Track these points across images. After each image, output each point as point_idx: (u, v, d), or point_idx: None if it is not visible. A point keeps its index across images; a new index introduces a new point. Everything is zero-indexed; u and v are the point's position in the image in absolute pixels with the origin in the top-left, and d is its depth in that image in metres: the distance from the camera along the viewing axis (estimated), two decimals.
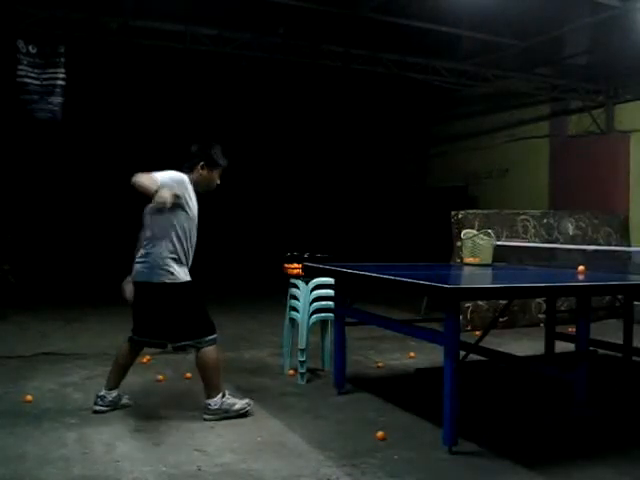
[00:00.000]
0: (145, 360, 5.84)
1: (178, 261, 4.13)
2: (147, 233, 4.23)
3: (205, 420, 4.13)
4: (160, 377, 5.21)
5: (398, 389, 5.15)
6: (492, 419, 4.37)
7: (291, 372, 5.42)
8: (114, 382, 4.37)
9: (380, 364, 5.92)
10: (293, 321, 5.46)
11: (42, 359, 5.89)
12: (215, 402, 4.15)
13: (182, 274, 4.14)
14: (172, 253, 4.11)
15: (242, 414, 4.19)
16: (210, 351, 4.16)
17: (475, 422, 4.15)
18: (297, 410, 4.47)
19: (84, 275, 11.86)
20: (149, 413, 4.32)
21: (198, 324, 4.16)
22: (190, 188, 4.18)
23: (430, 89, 10.21)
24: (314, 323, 5.34)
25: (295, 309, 5.37)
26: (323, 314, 5.34)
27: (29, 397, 4.54)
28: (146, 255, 4.18)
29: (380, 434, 3.86)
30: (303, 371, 5.20)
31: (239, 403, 4.22)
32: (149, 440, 3.80)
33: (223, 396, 4.19)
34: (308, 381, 5.22)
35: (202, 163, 4.26)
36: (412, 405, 4.56)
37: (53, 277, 11.46)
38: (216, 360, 4.18)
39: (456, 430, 3.62)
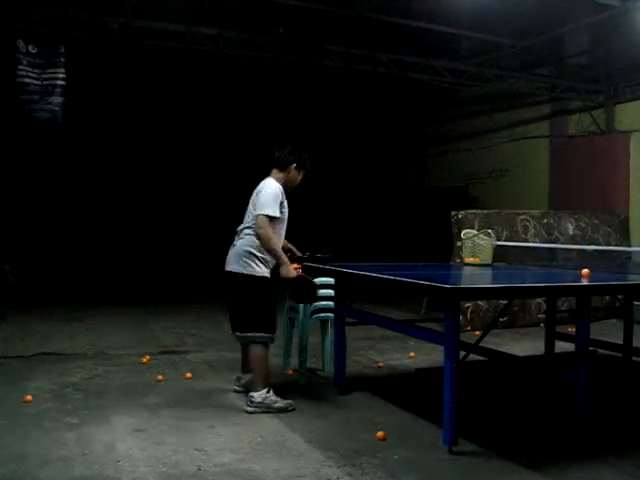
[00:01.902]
0: (145, 360, 5.84)
1: (257, 256, 4.37)
2: (241, 225, 4.54)
3: (247, 412, 4.29)
4: (160, 377, 5.20)
5: (398, 389, 5.15)
6: (492, 419, 4.37)
7: (291, 372, 5.42)
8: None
9: (380, 364, 5.92)
10: (293, 321, 5.46)
11: (42, 359, 5.89)
12: (259, 395, 4.31)
13: (259, 268, 4.37)
14: (254, 248, 4.38)
15: (282, 411, 4.33)
16: (258, 348, 4.39)
17: (475, 422, 4.15)
18: (297, 410, 4.46)
19: (84, 275, 11.86)
20: (149, 413, 4.32)
21: (257, 319, 4.38)
22: (283, 193, 4.46)
23: (430, 89, 10.21)
24: (314, 323, 5.34)
25: (295, 309, 5.37)
26: (323, 314, 5.34)
27: (29, 397, 4.54)
28: (233, 245, 4.52)
29: (380, 434, 3.86)
30: (303, 371, 5.20)
31: (281, 402, 4.37)
32: (149, 440, 3.79)
33: (268, 391, 4.34)
34: (308, 381, 5.22)
35: (295, 164, 4.59)
36: (412, 405, 4.56)
37: (53, 277, 11.46)
38: (261, 358, 4.39)
39: (456, 430, 3.62)
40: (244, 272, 4.37)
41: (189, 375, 5.30)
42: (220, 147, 13.63)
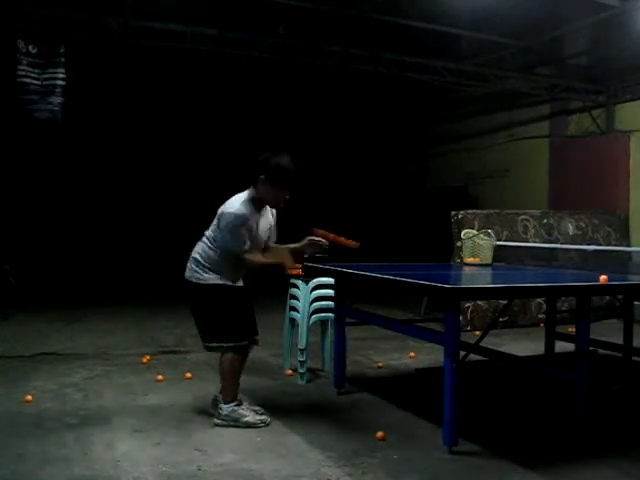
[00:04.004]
0: (145, 360, 5.84)
1: (203, 264, 4.08)
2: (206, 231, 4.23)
3: (215, 424, 4.08)
4: (160, 377, 5.20)
5: (398, 389, 5.15)
6: (492, 419, 4.37)
7: (291, 372, 5.42)
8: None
9: (380, 364, 5.92)
10: (293, 321, 5.46)
11: (42, 359, 5.89)
12: (226, 408, 4.09)
13: (208, 275, 4.08)
14: (202, 257, 4.10)
15: (253, 426, 4.06)
16: (229, 358, 4.10)
17: (475, 422, 4.15)
18: (297, 410, 4.47)
19: (84, 275, 11.86)
20: (149, 413, 4.32)
21: (219, 328, 4.08)
22: (247, 219, 3.98)
23: (430, 89, 10.20)
24: (314, 323, 5.34)
25: (295, 309, 5.37)
26: (323, 314, 5.34)
27: (29, 397, 4.54)
28: (192, 252, 4.20)
29: (380, 434, 3.85)
30: (303, 371, 5.20)
31: (251, 417, 4.09)
32: (149, 440, 3.80)
33: (237, 404, 4.12)
34: (308, 381, 5.22)
35: (262, 177, 4.01)
36: (412, 405, 4.56)
37: (53, 277, 11.46)
38: (233, 368, 4.12)
39: (456, 430, 3.62)
40: (193, 280, 4.10)
41: (189, 375, 5.30)
42: (221, 147, 13.63)
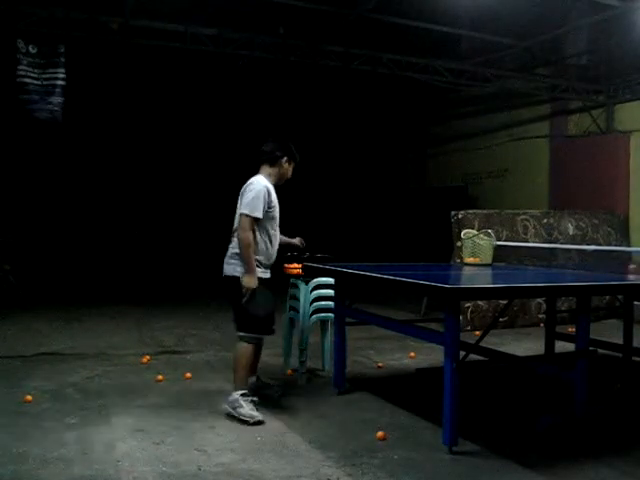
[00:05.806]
0: (145, 360, 5.84)
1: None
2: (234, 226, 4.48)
3: (224, 407, 4.27)
4: (160, 377, 5.20)
5: (398, 389, 5.15)
6: (492, 419, 4.37)
7: (291, 372, 5.42)
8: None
9: (380, 364, 5.92)
10: (293, 321, 5.46)
11: (42, 359, 5.89)
12: (235, 394, 4.25)
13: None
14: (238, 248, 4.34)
15: (243, 421, 4.14)
16: (243, 347, 4.33)
17: (475, 422, 4.15)
18: (297, 410, 4.47)
19: (84, 275, 11.86)
20: (149, 413, 4.32)
21: (245, 318, 4.31)
22: (270, 190, 4.42)
23: (430, 89, 10.21)
24: (314, 323, 5.34)
25: (295, 309, 5.37)
26: (323, 314, 5.34)
27: (29, 397, 4.54)
28: (229, 250, 4.44)
29: (380, 434, 3.86)
30: (303, 371, 5.20)
31: (246, 409, 4.18)
32: (149, 440, 3.80)
33: (243, 395, 4.24)
34: (308, 381, 5.22)
35: (286, 158, 4.58)
36: (412, 405, 4.56)
37: (53, 277, 11.46)
38: (247, 357, 4.33)
39: (456, 430, 3.62)
40: (235, 274, 4.31)
41: (189, 375, 5.30)
42: (221, 147, 13.63)
